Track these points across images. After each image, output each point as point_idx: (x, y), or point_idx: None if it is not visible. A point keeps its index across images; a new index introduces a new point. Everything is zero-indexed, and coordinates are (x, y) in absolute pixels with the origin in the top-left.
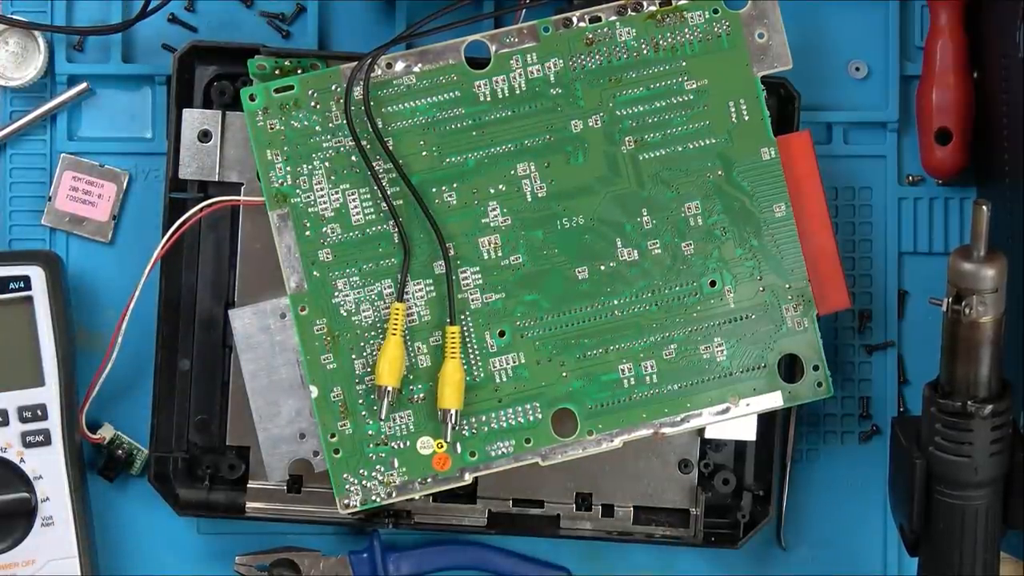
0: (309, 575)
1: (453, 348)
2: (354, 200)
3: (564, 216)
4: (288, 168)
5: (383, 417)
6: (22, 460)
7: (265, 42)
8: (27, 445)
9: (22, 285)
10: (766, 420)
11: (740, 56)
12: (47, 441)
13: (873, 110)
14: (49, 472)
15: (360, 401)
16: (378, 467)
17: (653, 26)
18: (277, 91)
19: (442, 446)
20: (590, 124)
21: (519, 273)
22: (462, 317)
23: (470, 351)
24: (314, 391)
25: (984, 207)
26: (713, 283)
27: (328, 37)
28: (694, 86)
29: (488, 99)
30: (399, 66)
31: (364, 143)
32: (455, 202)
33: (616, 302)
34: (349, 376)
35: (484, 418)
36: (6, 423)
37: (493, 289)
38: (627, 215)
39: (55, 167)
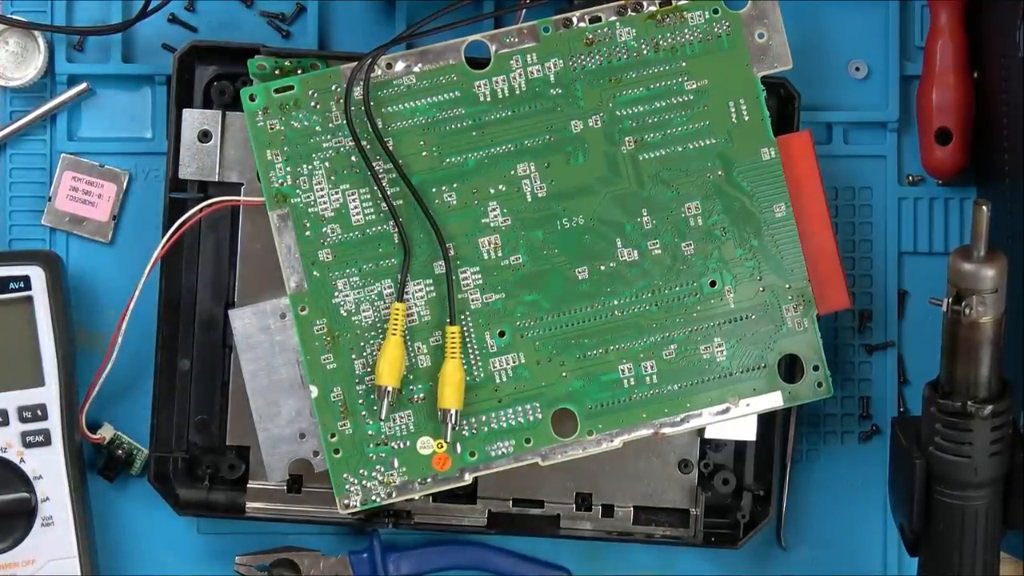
0: (309, 575)
1: (453, 348)
2: (354, 200)
3: (564, 216)
4: (288, 168)
5: (383, 417)
6: (22, 460)
7: (265, 42)
8: (27, 445)
9: (22, 285)
10: (766, 420)
11: (740, 56)
12: (47, 441)
13: (873, 110)
14: (49, 472)
15: (360, 401)
16: (378, 467)
17: (653, 26)
18: (277, 91)
19: (442, 446)
20: (590, 124)
21: (519, 273)
22: (462, 317)
23: (470, 351)
24: (314, 391)
25: (984, 207)
26: (713, 283)
27: (328, 37)
28: (694, 86)
29: (488, 99)
30: (399, 66)
31: (364, 143)
32: (455, 202)
33: (616, 302)
34: (349, 376)
35: (484, 418)
36: (6, 423)
37: (493, 289)
38: (627, 215)
39: (55, 167)
